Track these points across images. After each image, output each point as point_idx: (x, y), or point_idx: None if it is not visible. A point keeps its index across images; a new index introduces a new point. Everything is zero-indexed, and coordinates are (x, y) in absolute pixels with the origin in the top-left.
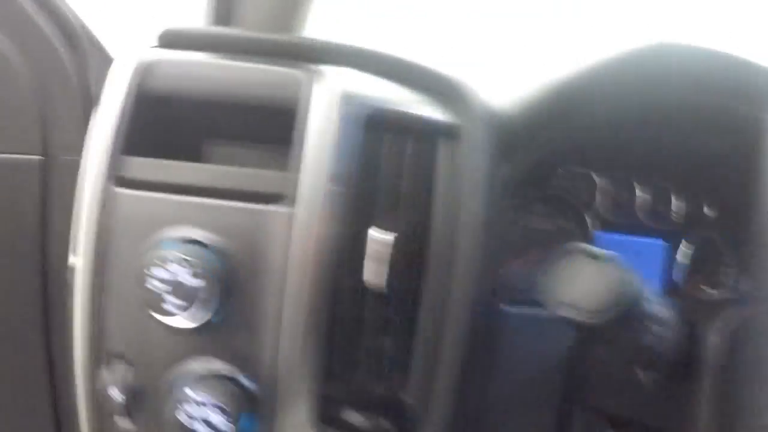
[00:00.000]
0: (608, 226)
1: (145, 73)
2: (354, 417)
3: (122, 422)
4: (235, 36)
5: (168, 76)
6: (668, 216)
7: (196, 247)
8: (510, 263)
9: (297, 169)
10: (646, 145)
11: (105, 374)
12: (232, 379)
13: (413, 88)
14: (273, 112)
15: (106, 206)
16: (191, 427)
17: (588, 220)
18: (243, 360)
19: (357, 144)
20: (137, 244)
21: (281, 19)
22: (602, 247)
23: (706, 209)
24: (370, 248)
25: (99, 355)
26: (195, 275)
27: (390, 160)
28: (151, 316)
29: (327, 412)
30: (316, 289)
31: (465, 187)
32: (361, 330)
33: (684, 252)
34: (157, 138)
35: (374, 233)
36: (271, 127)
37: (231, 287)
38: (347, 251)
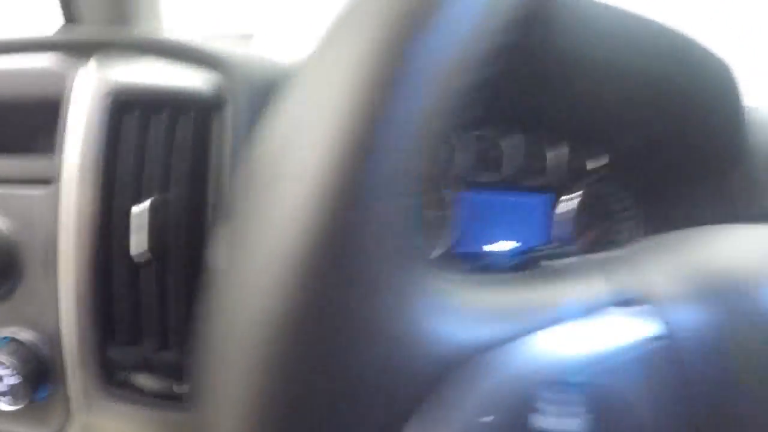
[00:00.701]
0: (474, 188)
1: None
2: (143, 381)
3: None
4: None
5: None
6: (545, 170)
7: None
8: None
9: (60, 154)
10: (511, 96)
11: None
12: (26, 344)
13: (180, 63)
14: (39, 104)
15: None
16: None
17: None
18: (37, 327)
19: (118, 126)
20: None
21: (117, 15)
22: (471, 209)
23: (589, 161)
24: (133, 222)
25: None
26: None
27: (155, 136)
28: None
29: (116, 377)
30: (85, 262)
31: (229, 155)
32: (138, 299)
33: (566, 208)
34: None
35: (135, 207)
36: (38, 118)
37: (15, 263)
38: (118, 227)
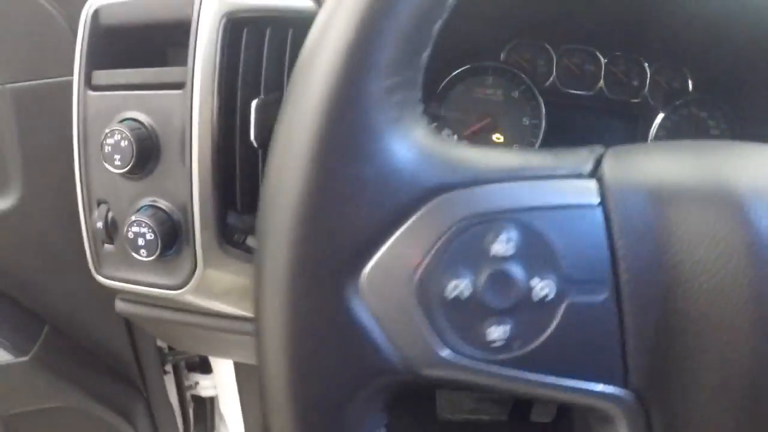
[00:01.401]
0: (565, 99)
1: (95, 13)
2: (254, 242)
3: (107, 246)
4: None
5: (113, 14)
6: (641, 89)
7: (134, 123)
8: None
9: (191, 64)
10: (612, 17)
11: (95, 214)
12: (163, 210)
13: None
14: (173, 25)
15: (84, 103)
16: (136, 242)
17: (536, 91)
18: (172, 198)
19: (234, 41)
20: (103, 124)
21: None
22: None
23: (686, 82)
24: (252, 114)
25: (90, 202)
26: (131, 141)
27: (262, 48)
28: (114, 172)
29: (233, 239)
30: (211, 146)
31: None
32: (254, 176)
33: (660, 128)
34: (114, 56)
35: (253, 102)
36: (173, 37)
37: (159, 147)
38: (238, 120)
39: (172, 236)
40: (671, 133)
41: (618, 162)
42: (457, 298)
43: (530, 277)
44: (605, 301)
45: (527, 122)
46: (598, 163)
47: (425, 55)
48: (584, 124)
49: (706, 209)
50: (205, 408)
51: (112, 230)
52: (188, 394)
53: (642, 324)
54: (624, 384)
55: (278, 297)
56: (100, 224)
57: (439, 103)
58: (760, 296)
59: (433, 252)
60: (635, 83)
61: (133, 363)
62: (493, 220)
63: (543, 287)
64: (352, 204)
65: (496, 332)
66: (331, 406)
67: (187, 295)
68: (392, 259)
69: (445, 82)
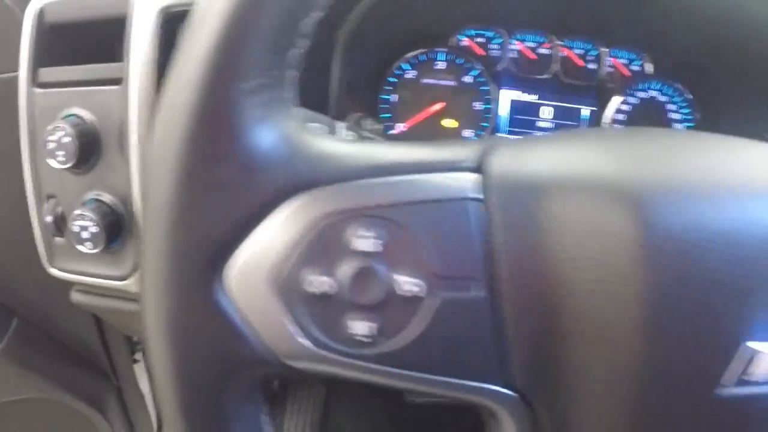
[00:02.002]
0: (518, 84)
1: (41, 12)
2: None
3: (58, 239)
4: None
5: (58, 12)
6: (597, 73)
7: (76, 119)
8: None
9: (127, 60)
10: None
11: (44, 208)
12: (106, 204)
13: None
14: (110, 22)
15: (30, 101)
16: (81, 235)
17: (489, 76)
18: (114, 191)
19: (169, 36)
20: (49, 121)
21: None
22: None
23: (645, 65)
24: None
25: (41, 196)
26: (74, 137)
27: None
28: (59, 168)
29: None
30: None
31: None
32: None
33: (616, 112)
34: (61, 54)
35: None
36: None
37: (100, 142)
38: None
39: (116, 228)
40: (630, 117)
41: (504, 155)
42: (318, 293)
43: (395, 273)
44: (481, 299)
45: (480, 107)
46: (484, 156)
47: (294, 53)
48: (540, 108)
49: (594, 204)
50: None
51: (61, 224)
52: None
53: (523, 323)
54: (506, 383)
55: (155, 288)
56: (49, 218)
57: (392, 89)
58: (648, 295)
59: (294, 248)
60: (591, 67)
61: (103, 353)
62: (357, 217)
63: (409, 284)
64: (215, 202)
65: (361, 327)
66: (208, 393)
67: (133, 286)
68: (255, 254)
69: (395, 67)
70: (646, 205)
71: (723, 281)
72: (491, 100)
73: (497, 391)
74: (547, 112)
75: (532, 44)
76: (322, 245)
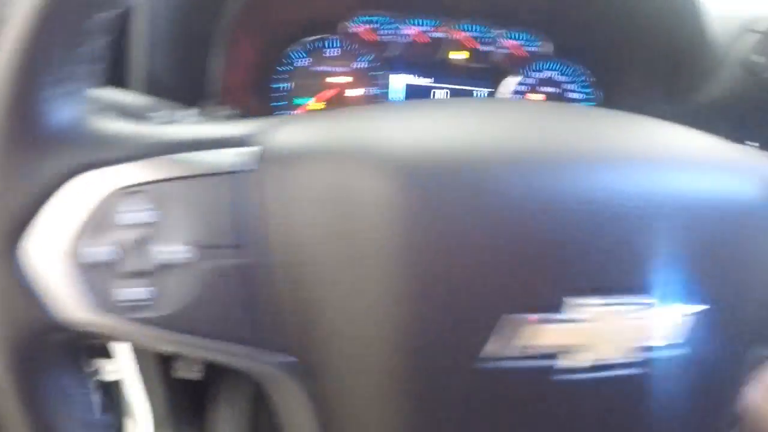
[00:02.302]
0: (411, 69)
1: None
2: None
3: None
4: None
5: None
6: (490, 55)
7: None
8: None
9: None
10: None
11: None
12: None
13: None
14: None
15: None
16: None
17: (381, 61)
18: None
19: None
20: None
21: None
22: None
23: (544, 45)
24: None
25: None
26: None
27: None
28: None
29: None
30: None
31: None
32: None
33: (514, 93)
34: None
35: None
36: None
37: None
38: None
39: None
40: (527, 97)
41: (285, 130)
42: (96, 262)
43: (166, 243)
44: (250, 265)
45: (375, 93)
46: (267, 131)
47: (85, 50)
48: (434, 92)
49: (355, 174)
50: (113, 393)
51: None
52: (92, 380)
53: (292, 289)
54: (283, 348)
55: None
56: None
57: (285, 77)
58: (403, 268)
59: (75, 221)
60: (486, 49)
61: None
62: (134, 192)
63: (176, 252)
64: (11, 180)
65: (136, 293)
66: (13, 359)
67: None
68: (46, 227)
69: (288, 54)
70: (407, 178)
71: (483, 255)
72: (384, 86)
73: (274, 356)
74: (442, 95)
75: (425, 28)
76: (99, 219)
